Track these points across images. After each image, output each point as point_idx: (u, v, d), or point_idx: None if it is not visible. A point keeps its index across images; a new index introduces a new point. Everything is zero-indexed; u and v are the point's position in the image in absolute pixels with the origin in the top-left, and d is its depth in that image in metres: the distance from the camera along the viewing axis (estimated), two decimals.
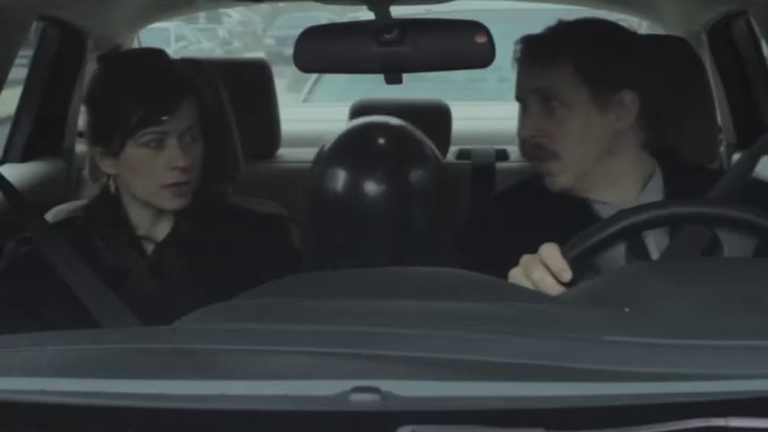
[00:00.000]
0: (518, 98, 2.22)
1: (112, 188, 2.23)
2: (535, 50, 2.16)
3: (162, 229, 2.21)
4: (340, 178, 2.56)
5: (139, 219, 2.20)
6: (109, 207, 2.22)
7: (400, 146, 2.56)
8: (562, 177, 2.13)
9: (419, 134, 2.57)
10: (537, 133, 2.14)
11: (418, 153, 2.56)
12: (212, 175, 2.29)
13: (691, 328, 1.36)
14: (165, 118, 2.12)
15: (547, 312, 1.53)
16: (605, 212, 2.06)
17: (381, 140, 2.59)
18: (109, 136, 2.16)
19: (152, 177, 2.14)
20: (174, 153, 2.13)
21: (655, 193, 2.15)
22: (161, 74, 2.20)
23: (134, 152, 2.14)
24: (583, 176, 2.13)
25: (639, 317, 1.43)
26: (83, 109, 3.26)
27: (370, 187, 2.53)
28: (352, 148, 2.63)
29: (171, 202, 2.16)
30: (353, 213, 2.52)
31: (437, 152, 2.57)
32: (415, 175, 2.56)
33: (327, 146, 2.62)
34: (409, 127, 2.60)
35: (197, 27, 20.03)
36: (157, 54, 2.30)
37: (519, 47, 2.19)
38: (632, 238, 1.85)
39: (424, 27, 1.80)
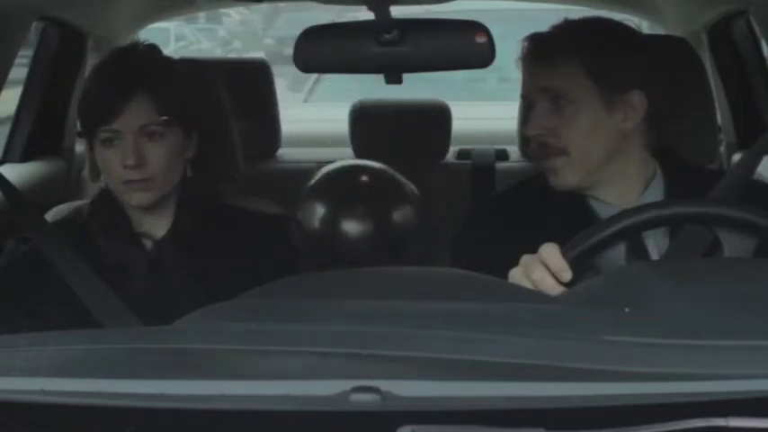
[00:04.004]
0: (525, 96, 2.21)
1: (103, 184, 2.24)
2: (543, 49, 2.15)
3: (161, 227, 2.22)
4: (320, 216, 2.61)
5: (135, 214, 2.21)
6: (109, 203, 2.22)
7: (382, 186, 2.63)
8: (569, 175, 2.12)
9: (397, 175, 2.63)
10: (544, 132, 2.13)
11: (399, 192, 2.63)
12: (209, 173, 2.29)
13: (691, 328, 1.37)
14: (112, 116, 2.12)
15: (547, 312, 1.53)
16: (606, 213, 2.06)
17: (364, 178, 2.67)
18: (84, 131, 2.21)
19: (112, 175, 2.16)
20: (125, 151, 2.13)
21: (656, 193, 2.14)
22: (110, 71, 2.21)
23: (98, 150, 2.17)
24: (589, 175, 2.13)
25: (639, 317, 1.43)
26: None
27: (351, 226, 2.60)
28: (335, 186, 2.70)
29: (131, 199, 2.17)
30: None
31: (415, 190, 2.64)
32: (398, 214, 2.63)
33: (310, 185, 2.69)
34: (389, 169, 2.67)
35: (197, 27, 20.02)
36: (119, 51, 2.32)
37: (526, 45, 2.18)
38: (632, 238, 1.85)
39: (424, 27, 1.80)
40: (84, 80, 2.27)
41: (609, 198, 2.13)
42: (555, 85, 2.12)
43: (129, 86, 2.14)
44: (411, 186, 2.71)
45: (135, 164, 2.12)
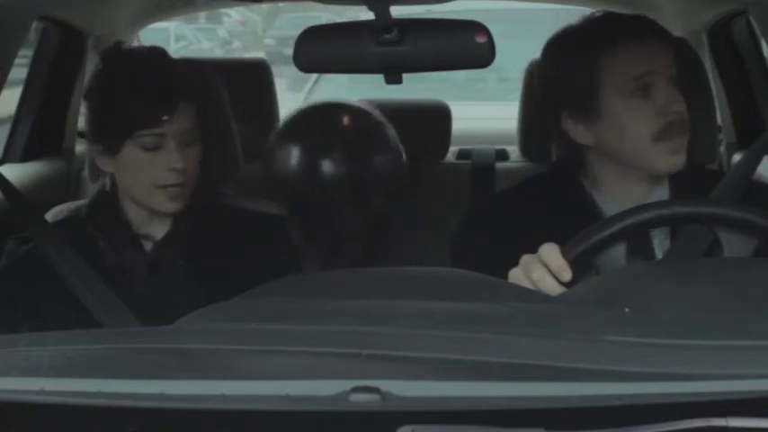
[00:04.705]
0: (638, 78, 2.08)
1: (107, 186, 2.22)
2: (652, 32, 2.14)
3: (161, 229, 2.21)
4: (295, 158, 2.60)
5: (137, 218, 2.20)
6: (108, 205, 2.21)
7: (363, 130, 2.60)
8: (684, 155, 2.10)
9: (384, 120, 2.58)
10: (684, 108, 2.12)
11: (382, 140, 2.60)
12: (211, 175, 2.29)
13: (691, 328, 1.37)
14: (165, 118, 2.12)
15: (547, 312, 1.53)
16: (613, 210, 2.05)
17: (345, 121, 2.62)
18: (108, 134, 2.16)
19: (147, 178, 2.14)
20: (171, 155, 2.12)
21: (661, 192, 2.14)
22: (162, 75, 2.19)
23: (131, 152, 2.14)
24: None
25: (639, 317, 1.43)
26: (83, 109, 3.27)
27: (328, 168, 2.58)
28: (311, 127, 2.66)
29: (165, 205, 2.16)
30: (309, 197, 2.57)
31: (399, 144, 2.61)
32: (378, 161, 2.61)
33: (283, 123, 2.67)
34: (375, 113, 2.62)
35: (197, 27, 20.03)
36: (159, 53, 2.30)
37: (623, 26, 2.14)
38: (634, 238, 1.85)
39: (423, 27, 1.80)
40: (117, 79, 2.22)
41: (618, 195, 2.12)
42: (669, 63, 2.10)
43: (175, 91, 2.15)
44: (394, 133, 2.68)
45: (182, 168, 2.13)
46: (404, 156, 2.70)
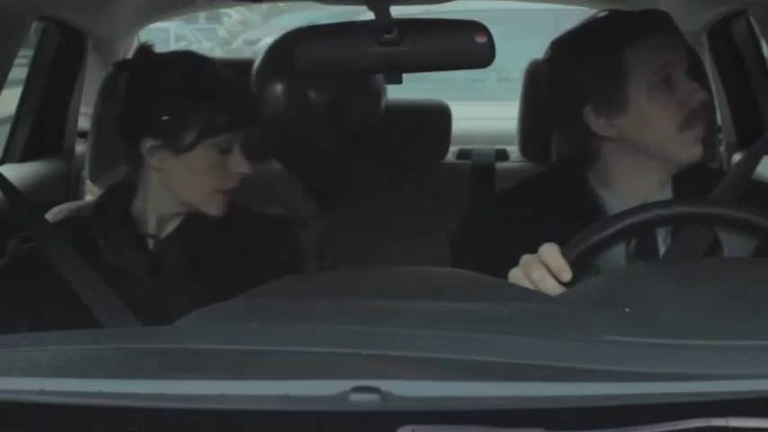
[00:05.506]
0: (661, 68, 2.10)
1: (151, 180, 2.18)
2: (667, 24, 2.16)
3: (166, 229, 2.21)
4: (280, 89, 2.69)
5: (155, 216, 2.19)
6: (118, 204, 2.21)
7: None
8: (702, 146, 2.12)
9: None
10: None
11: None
12: None
13: (691, 328, 1.37)
14: (242, 126, 2.15)
15: (547, 312, 1.53)
16: (615, 207, 2.05)
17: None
18: (181, 131, 2.13)
19: (211, 180, 2.15)
20: (241, 160, 2.15)
21: (667, 189, 2.14)
22: (242, 82, 2.24)
23: (204, 152, 2.13)
24: None
25: (639, 317, 1.43)
26: (83, 109, 3.27)
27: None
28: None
29: (218, 209, 2.16)
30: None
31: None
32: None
33: (262, 58, 2.77)
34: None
35: (197, 27, 20.01)
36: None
37: (647, 21, 2.15)
38: (635, 238, 1.85)
39: (423, 27, 1.80)
40: (183, 76, 2.19)
41: (627, 189, 2.12)
42: (685, 56, 2.12)
43: (254, 97, 2.25)
44: None
45: (250, 172, 2.16)
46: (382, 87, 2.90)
